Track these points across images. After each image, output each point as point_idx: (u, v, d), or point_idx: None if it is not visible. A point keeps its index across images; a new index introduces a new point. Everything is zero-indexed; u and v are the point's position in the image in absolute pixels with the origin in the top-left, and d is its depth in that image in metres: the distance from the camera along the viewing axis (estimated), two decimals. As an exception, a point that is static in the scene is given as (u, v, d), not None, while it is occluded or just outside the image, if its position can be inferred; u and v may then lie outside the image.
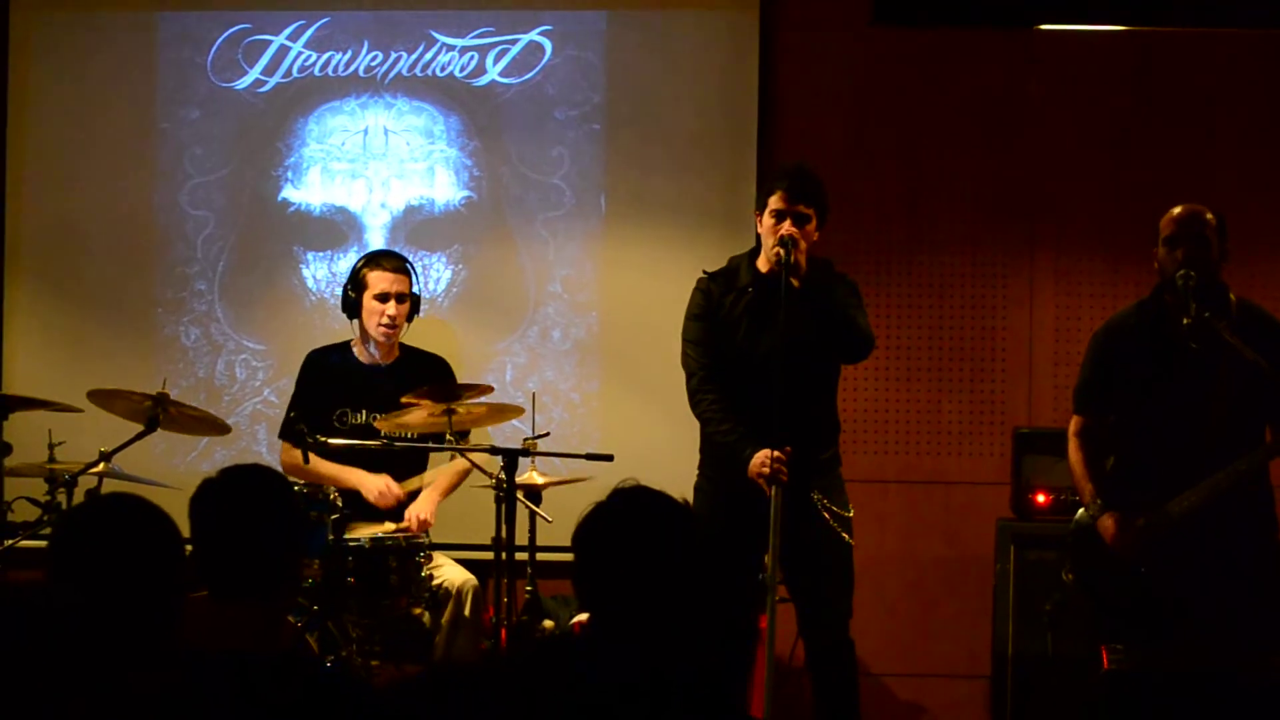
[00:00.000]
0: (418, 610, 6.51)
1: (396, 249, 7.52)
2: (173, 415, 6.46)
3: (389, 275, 6.96)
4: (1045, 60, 7.76)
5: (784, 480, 5.84)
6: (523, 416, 6.85)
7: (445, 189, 7.86)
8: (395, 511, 6.77)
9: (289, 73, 7.88)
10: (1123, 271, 7.53)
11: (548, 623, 6.77)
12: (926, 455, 7.76)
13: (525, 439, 6.54)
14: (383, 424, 6.71)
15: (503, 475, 6.24)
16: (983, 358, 7.76)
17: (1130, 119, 7.72)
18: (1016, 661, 7.01)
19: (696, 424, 6.21)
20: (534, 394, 7.20)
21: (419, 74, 7.86)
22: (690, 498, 3.40)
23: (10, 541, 6.37)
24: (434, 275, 7.83)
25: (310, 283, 7.86)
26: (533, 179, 7.81)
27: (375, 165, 7.88)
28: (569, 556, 3.40)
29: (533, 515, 6.50)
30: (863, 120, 7.80)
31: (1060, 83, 7.75)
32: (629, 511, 3.38)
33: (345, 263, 7.59)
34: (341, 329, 7.26)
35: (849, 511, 6.10)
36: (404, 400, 6.46)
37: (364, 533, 6.49)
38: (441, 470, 6.99)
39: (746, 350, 6.06)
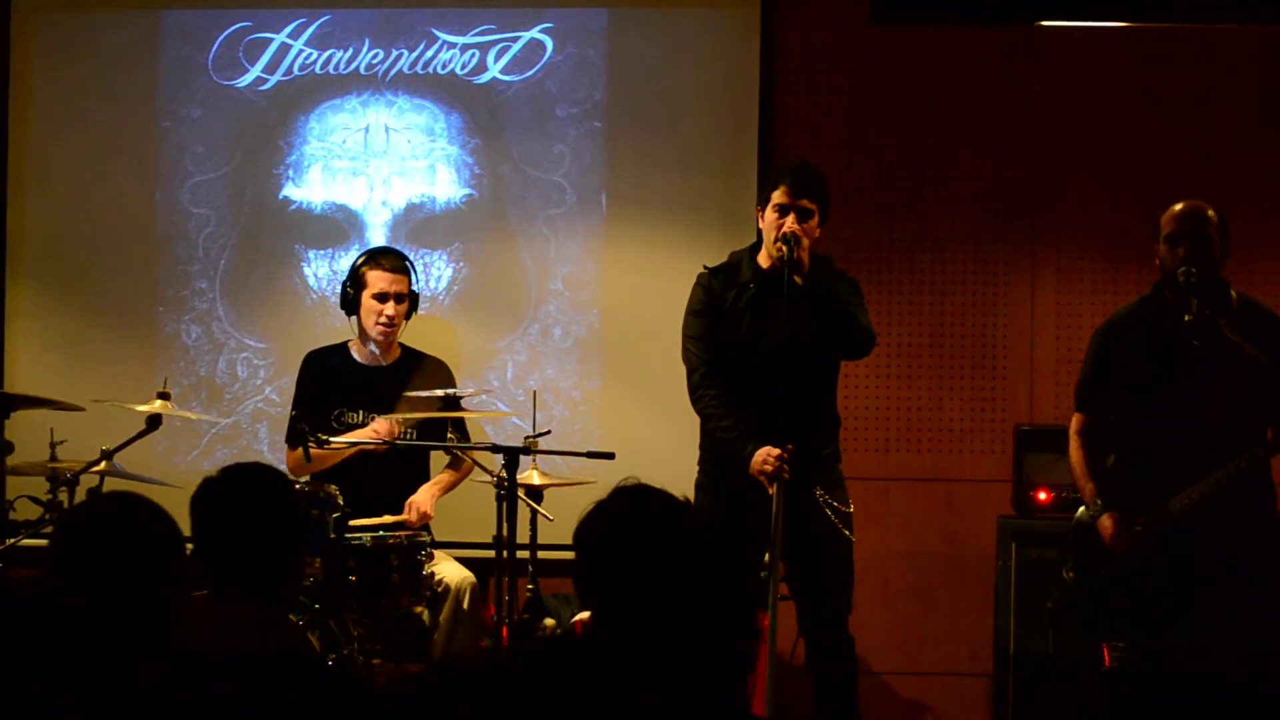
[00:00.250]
0: (419, 609, 6.51)
1: (397, 247, 7.52)
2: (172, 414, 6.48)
3: (388, 275, 6.95)
4: (1046, 58, 7.76)
5: (786, 478, 5.84)
6: (524, 415, 6.85)
7: (446, 187, 7.86)
8: (395, 504, 6.75)
9: (290, 71, 7.88)
10: (1124, 269, 7.52)
11: (549, 621, 6.77)
12: (928, 453, 7.76)
13: (526, 437, 6.54)
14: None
15: (504, 473, 6.24)
16: (984, 355, 7.76)
17: (1131, 116, 7.72)
18: (1018, 659, 7.01)
19: (697, 421, 6.21)
20: (535, 392, 7.20)
21: (420, 71, 7.86)
22: (691, 495, 3.41)
23: (12, 540, 6.36)
24: (435, 273, 7.83)
25: (311, 281, 7.86)
26: (534, 176, 7.81)
27: (376, 163, 7.88)
28: (570, 555, 3.40)
29: (534, 513, 6.50)
30: (863, 118, 7.80)
31: (1061, 80, 7.75)
32: (630, 510, 3.38)
33: (346, 261, 7.59)
34: (343, 327, 7.26)
35: (849, 507, 6.11)
36: (405, 396, 6.47)
37: (364, 522, 6.50)
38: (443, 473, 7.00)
39: (748, 346, 6.06)
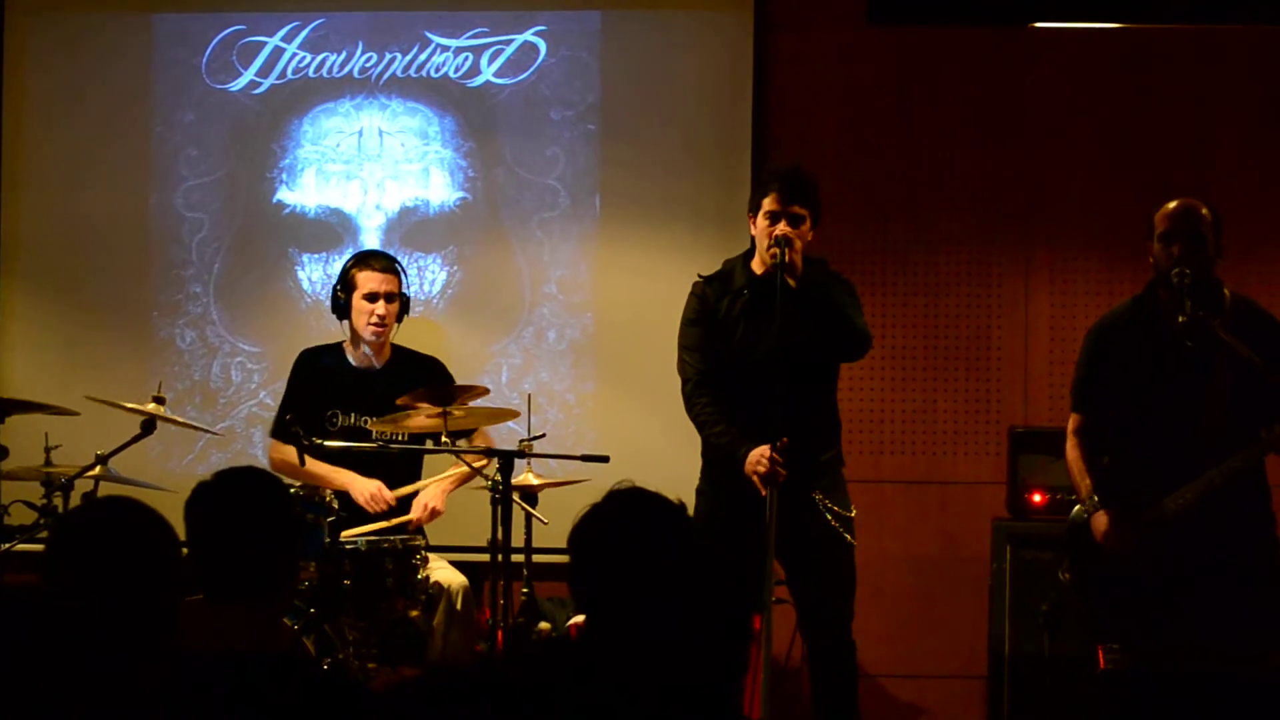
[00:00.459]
0: (414, 613, 6.51)
1: (391, 250, 7.52)
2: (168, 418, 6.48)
3: (378, 275, 6.94)
4: (1040, 58, 7.76)
5: (782, 477, 5.83)
6: (518, 418, 6.85)
7: (440, 190, 7.86)
8: (387, 515, 6.75)
9: (284, 74, 7.88)
10: (1118, 270, 7.52)
11: (544, 625, 6.76)
12: (922, 455, 7.77)
13: (521, 440, 6.54)
14: (379, 426, 6.71)
15: (498, 477, 6.24)
16: (978, 357, 7.76)
17: (1126, 117, 7.72)
18: (1013, 661, 7.01)
19: (692, 425, 6.20)
20: (529, 395, 7.20)
21: (414, 75, 7.86)
22: (686, 499, 3.41)
23: (7, 545, 6.37)
24: (429, 276, 7.83)
25: (305, 285, 7.86)
26: (528, 180, 7.81)
27: (370, 167, 7.88)
28: (565, 558, 3.40)
29: (528, 517, 6.49)
30: (857, 120, 7.80)
31: (1055, 81, 7.75)
32: (625, 513, 3.38)
33: (340, 264, 7.58)
34: (337, 331, 7.25)
35: (851, 512, 6.09)
36: (399, 402, 6.45)
37: (363, 530, 6.50)
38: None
39: (743, 352, 6.05)
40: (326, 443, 6.49)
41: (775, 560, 5.95)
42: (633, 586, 3.30)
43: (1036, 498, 7.19)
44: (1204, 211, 5.80)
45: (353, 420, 6.92)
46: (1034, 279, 7.75)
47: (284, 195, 7.89)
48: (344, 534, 6.32)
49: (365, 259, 7.03)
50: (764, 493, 5.84)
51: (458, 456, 6.65)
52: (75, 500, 6.22)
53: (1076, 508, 5.97)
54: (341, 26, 7.89)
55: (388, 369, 7.01)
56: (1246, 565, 5.73)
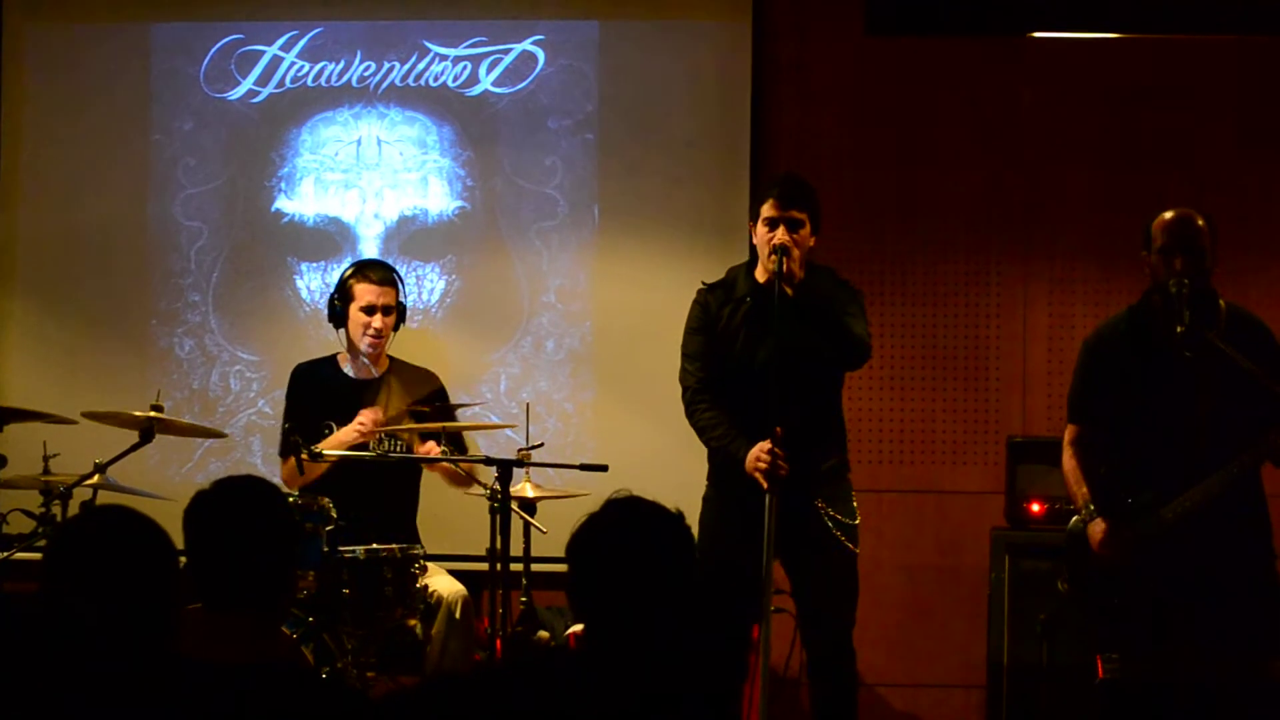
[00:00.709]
0: (412, 621, 6.50)
1: (390, 259, 7.53)
2: (168, 423, 6.47)
3: (374, 287, 6.93)
4: (1038, 68, 7.76)
5: (783, 471, 5.82)
6: (516, 427, 6.85)
7: (438, 199, 7.86)
8: (387, 518, 6.71)
9: (282, 83, 7.88)
10: (1116, 280, 7.52)
11: (543, 634, 6.76)
12: (921, 465, 7.77)
13: (519, 449, 6.53)
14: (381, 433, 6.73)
15: (497, 486, 6.24)
16: (977, 367, 7.76)
17: (1123, 126, 7.73)
18: (1012, 671, 7.01)
19: (691, 434, 6.19)
20: (528, 404, 7.18)
21: (412, 84, 7.86)
22: (685, 508, 3.40)
23: (5, 554, 6.35)
24: (427, 286, 7.83)
25: (304, 293, 7.85)
26: (526, 189, 7.81)
27: (368, 176, 7.88)
28: (564, 567, 3.40)
29: (527, 526, 6.48)
30: (856, 130, 7.80)
31: (1053, 91, 7.76)
32: (623, 522, 3.39)
33: (339, 273, 7.58)
34: (335, 340, 7.24)
35: (854, 520, 6.08)
36: (397, 411, 6.47)
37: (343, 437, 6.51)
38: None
39: (745, 360, 6.05)
40: (326, 451, 6.49)
41: (778, 568, 5.95)
42: (631, 595, 3.30)
43: (1035, 507, 7.19)
44: (1200, 222, 5.79)
45: (350, 430, 6.91)
46: (1032, 289, 7.75)
47: (282, 204, 7.89)
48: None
49: (363, 270, 7.02)
50: (765, 486, 5.82)
51: (456, 466, 6.65)
52: (74, 509, 6.22)
53: (1074, 518, 5.97)
54: (340, 35, 7.89)
55: (383, 379, 7.00)
56: (1243, 574, 5.72)
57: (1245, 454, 5.69)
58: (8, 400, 7.55)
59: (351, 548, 6.31)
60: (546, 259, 7.81)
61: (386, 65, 7.87)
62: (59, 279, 7.90)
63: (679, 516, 3.43)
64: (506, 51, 7.83)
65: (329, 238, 7.87)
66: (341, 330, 7.02)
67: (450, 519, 7.08)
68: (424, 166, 7.86)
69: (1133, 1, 7.69)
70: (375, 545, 6.39)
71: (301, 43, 7.88)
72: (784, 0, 7.81)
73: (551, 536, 6.11)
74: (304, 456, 6.35)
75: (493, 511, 6.27)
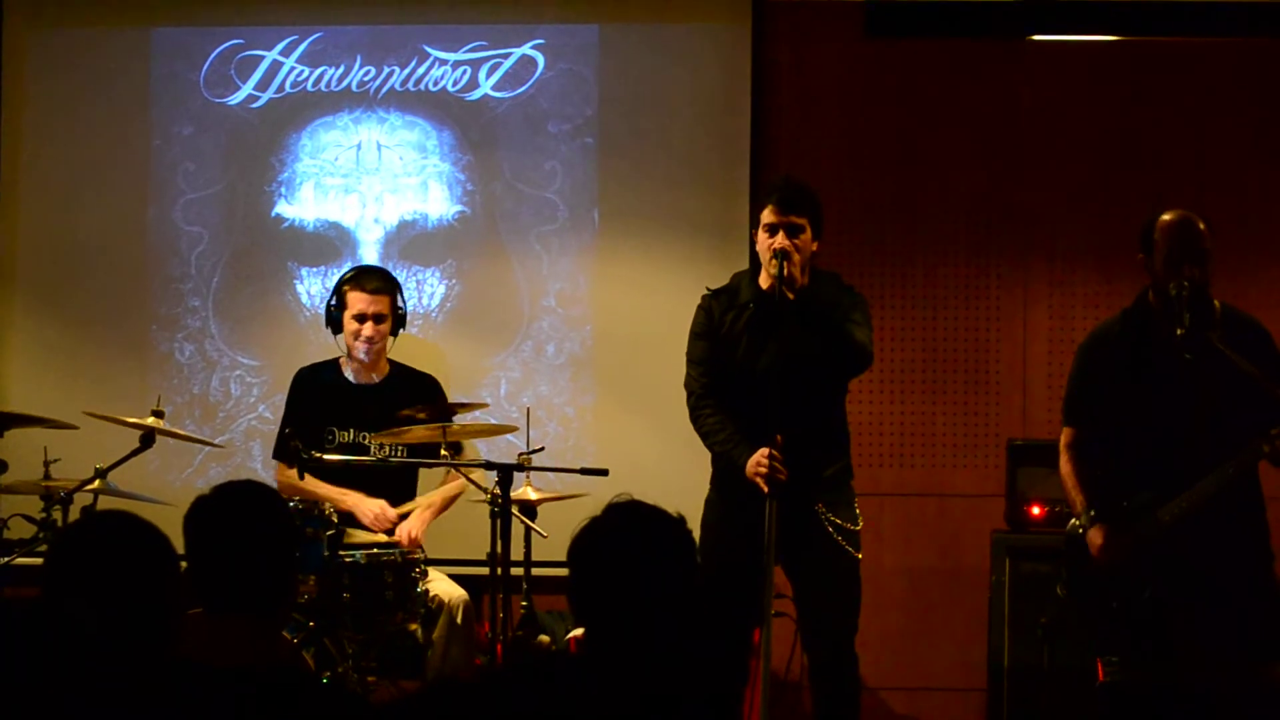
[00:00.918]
0: (413, 626, 6.51)
1: (390, 264, 7.54)
2: (168, 432, 6.48)
3: (366, 296, 6.92)
4: (1038, 71, 7.77)
5: (783, 476, 5.81)
6: (517, 431, 6.85)
7: (438, 204, 7.86)
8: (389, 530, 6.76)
9: (282, 88, 7.89)
10: (1116, 282, 7.52)
11: (544, 638, 6.76)
12: (921, 468, 7.77)
13: (520, 454, 6.53)
14: (377, 439, 6.72)
15: (497, 490, 6.24)
16: (977, 370, 7.76)
17: (1122, 129, 7.73)
18: (1012, 674, 7.01)
19: (692, 438, 6.19)
20: (528, 409, 7.19)
21: (412, 88, 7.87)
22: (685, 512, 3.40)
23: (6, 559, 6.36)
24: (427, 290, 7.83)
25: (304, 298, 7.86)
26: (526, 193, 7.81)
27: (368, 180, 7.88)
28: (565, 571, 3.40)
29: (528, 530, 6.48)
30: (856, 133, 7.80)
31: (1053, 93, 7.76)
32: (624, 526, 3.38)
33: (338, 278, 7.58)
34: (335, 344, 7.25)
35: (856, 525, 6.07)
36: (401, 414, 6.46)
37: (360, 537, 6.50)
38: (436, 491, 6.99)
39: (747, 366, 6.04)
40: (325, 456, 6.49)
41: (779, 573, 5.95)
42: (632, 599, 3.30)
43: (1035, 510, 7.20)
44: (1201, 226, 5.78)
45: (350, 436, 6.91)
46: (1032, 291, 7.75)
47: (282, 209, 7.89)
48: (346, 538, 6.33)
49: (358, 278, 7.02)
50: (766, 490, 5.82)
51: (456, 470, 6.65)
52: (75, 514, 6.22)
53: (1072, 521, 5.96)
54: (339, 40, 7.89)
55: (385, 385, 7.01)
56: (1243, 576, 5.72)
57: (1241, 454, 5.68)
58: (8, 405, 7.56)
59: (352, 552, 6.31)
60: (547, 263, 7.81)
61: (386, 70, 7.87)
62: (59, 284, 7.90)
63: (680, 520, 3.42)
64: (506, 55, 7.83)
65: (329, 243, 7.87)
66: (339, 335, 7.03)
67: (451, 523, 7.07)
68: (424, 171, 7.86)
69: (1131, 4, 7.70)
70: (376, 550, 6.40)
71: (301, 47, 7.89)
72: (783, 3, 7.81)
73: (552, 541, 6.11)
74: (303, 459, 6.35)
75: (493, 516, 6.27)
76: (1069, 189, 7.74)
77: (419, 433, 6.50)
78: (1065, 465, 5.98)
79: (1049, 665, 6.79)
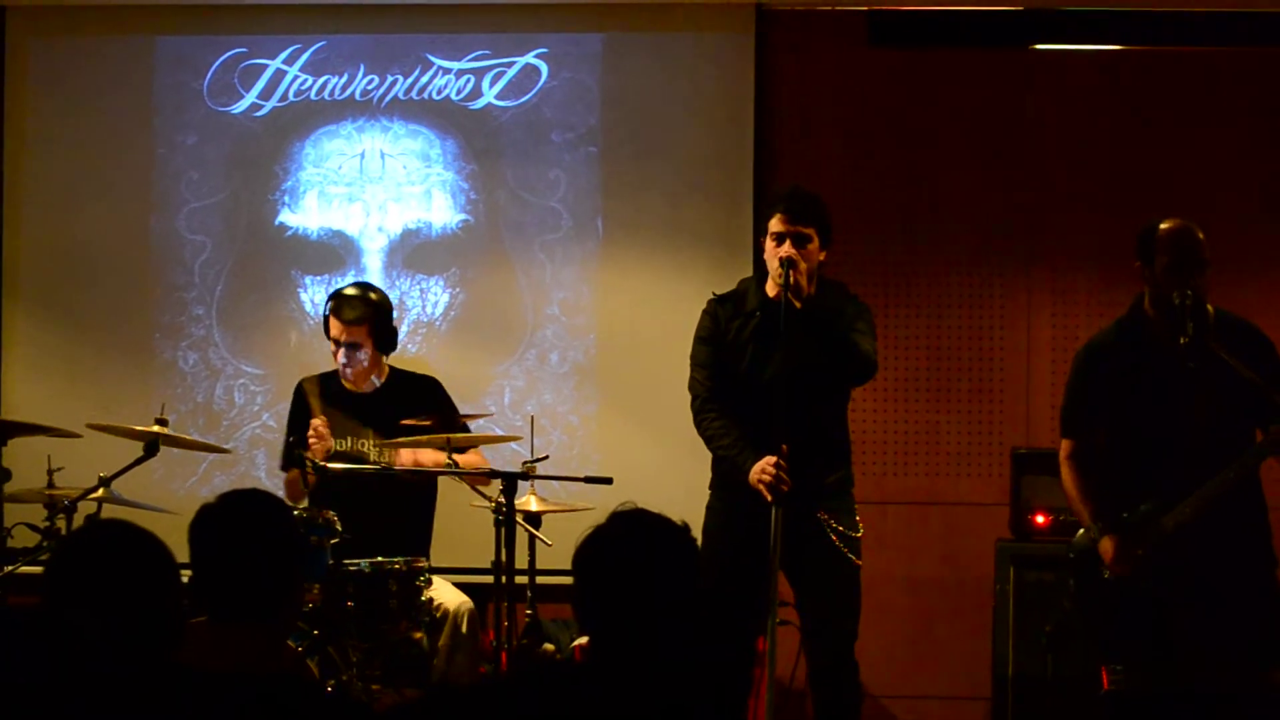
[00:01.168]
0: (417, 634, 6.50)
1: (394, 273, 7.55)
2: (173, 438, 6.47)
3: (339, 325, 6.74)
4: (1040, 80, 7.77)
5: (786, 486, 5.81)
6: (521, 440, 6.85)
7: (442, 212, 7.86)
8: (392, 531, 6.69)
9: (285, 96, 7.89)
10: (1119, 290, 7.50)
11: (548, 646, 6.75)
12: (925, 476, 7.77)
13: (524, 462, 6.54)
14: (378, 445, 6.72)
15: (502, 499, 6.24)
16: (981, 378, 7.76)
17: (1125, 138, 7.73)
18: (1016, 683, 7.00)
19: (695, 446, 6.19)
20: (532, 417, 7.19)
21: (415, 97, 7.87)
22: (689, 520, 3.40)
23: (10, 567, 6.36)
24: (431, 299, 7.83)
25: (308, 307, 7.86)
26: (530, 202, 7.82)
27: (372, 189, 7.88)
28: (569, 579, 3.40)
29: (532, 538, 6.48)
30: (859, 142, 7.81)
31: (1056, 102, 7.77)
32: (628, 534, 3.39)
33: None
34: (336, 353, 7.24)
35: (858, 532, 6.07)
36: (404, 423, 6.46)
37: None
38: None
39: (752, 374, 6.04)
40: (330, 465, 6.49)
41: (782, 580, 5.95)
42: (636, 608, 3.30)
43: (1039, 519, 7.19)
44: (1200, 235, 5.78)
45: (349, 444, 6.89)
46: (1035, 299, 7.75)
47: (286, 217, 7.89)
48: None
49: (338, 306, 6.79)
50: (769, 499, 5.82)
51: (460, 479, 6.64)
52: (78, 523, 6.22)
53: (1080, 532, 5.95)
54: (343, 49, 7.90)
55: (384, 392, 6.97)
56: (1246, 582, 5.71)
57: (1243, 456, 5.68)
58: (11, 414, 7.56)
59: (356, 561, 6.31)
60: (550, 272, 7.81)
61: (390, 78, 7.88)
62: (62, 292, 7.91)
63: (684, 529, 3.43)
64: (510, 65, 7.84)
65: (333, 251, 7.88)
66: None
67: (455, 532, 7.07)
68: (427, 180, 7.86)
69: (1134, 14, 7.70)
70: (380, 558, 6.39)
71: (305, 56, 7.89)
72: (787, 13, 7.82)
73: (557, 549, 6.10)
74: (309, 467, 6.35)
75: (498, 524, 6.27)
76: (1072, 197, 7.74)
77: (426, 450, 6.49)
78: (1067, 477, 5.97)
79: (1053, 674, 6.79)
